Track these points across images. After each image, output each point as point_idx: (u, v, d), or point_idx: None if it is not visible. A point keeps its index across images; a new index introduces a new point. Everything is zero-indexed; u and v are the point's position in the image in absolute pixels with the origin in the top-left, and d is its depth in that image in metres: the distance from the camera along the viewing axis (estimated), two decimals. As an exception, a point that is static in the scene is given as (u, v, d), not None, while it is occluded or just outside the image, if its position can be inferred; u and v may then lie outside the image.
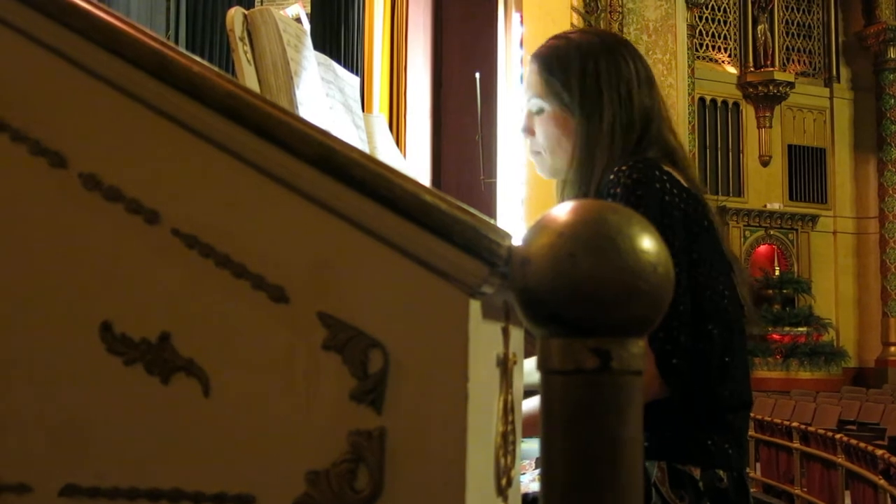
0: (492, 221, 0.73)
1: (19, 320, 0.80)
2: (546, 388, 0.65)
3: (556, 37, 1.83)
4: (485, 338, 0.78)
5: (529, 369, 1.28)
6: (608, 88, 1.73)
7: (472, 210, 0.73)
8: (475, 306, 0.74)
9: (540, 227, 0.66)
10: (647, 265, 0.63)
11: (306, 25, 2.07)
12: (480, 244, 0.72)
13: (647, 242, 0.64)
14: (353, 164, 0.74)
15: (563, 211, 0.66)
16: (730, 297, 1.65)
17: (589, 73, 1.74)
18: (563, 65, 1.76)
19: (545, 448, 0.66)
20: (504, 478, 0.84)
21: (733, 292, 1.67)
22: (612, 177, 1.63)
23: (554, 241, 0.64)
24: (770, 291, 16.98)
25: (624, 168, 1.62)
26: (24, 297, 0.80)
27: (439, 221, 0.72)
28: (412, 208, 0.73)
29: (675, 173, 1.67)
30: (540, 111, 1.80)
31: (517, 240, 0.71)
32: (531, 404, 1.52)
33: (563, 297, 0.63)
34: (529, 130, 1.82)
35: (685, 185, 1.66)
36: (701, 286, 1.61)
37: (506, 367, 0.86)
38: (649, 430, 1.57)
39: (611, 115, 1.72)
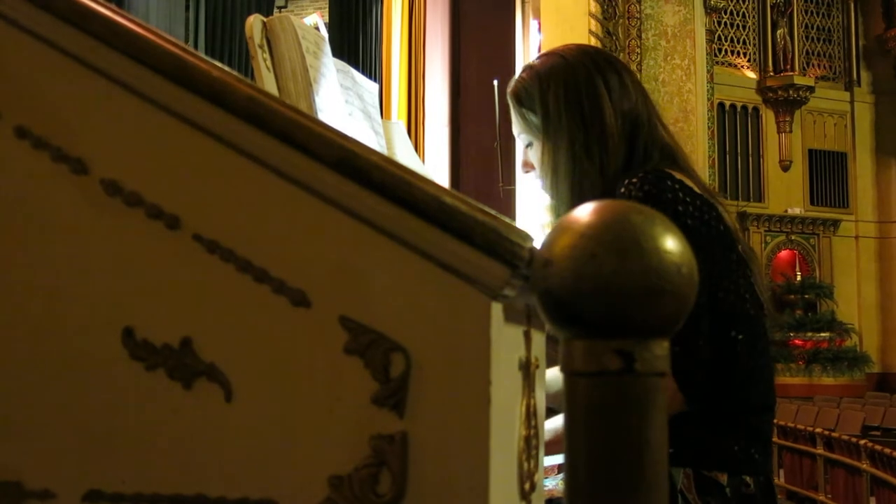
0: (513, 223, 0.73)
1: (41, 327, 0.80)
2: (569, 390, 0.65)
3: (523, 69, 1.85)
4: (507, 341, 0.78)
5: (551, 378, 1.27)
6: (568, 110, 1.73)
7: (492, 212, 0.73)
8: (497, 309, 0.73)
9: (562, 229, 0.65)
10: (670, 265, 0.63)
11: (324, 35, 2.08)
12: (502, 246, 0.71)
13: (671, 243, 0.64)
14: (373, 167, 0.74)
15: (585, 212, 0.65)
16: (751, 300, 1.64)
17: (549, 98, 1.75)
18: (529, 96, 1.79)
19: (568, 450, 0.65)
20: (527, 482, 0.84)
21: (753, 294, 1.66)
22: (622, 190, 1.62)
23: (576, 241, 0.64)
24: (792, 297, 16.86)
25: (634, 180, 1.62)
26: (46, 303, 0.80)
27: (460, 224, 0.72)
28: (432, 211, 0.72)
29: (685, 180, 1.66)
30: (529, 144, 1.83)
31: (538, 243, 0.71)
32: (552, 425, 1.51)
33: (585, 298, 0.63)
34: (524, 165, 1.85)
35: (697, 191, 1.65)
36: (722, 293, 1.60)
37: (528, 370, 0.86)
38: (674, 436, 1.56)
39: (572, 136, 1.72)
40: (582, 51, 1.86)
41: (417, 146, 9.50)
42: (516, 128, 1.84)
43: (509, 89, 1.83)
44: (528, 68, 1.82)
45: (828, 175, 17.97)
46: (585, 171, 1.70)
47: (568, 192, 1.72)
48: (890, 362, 17.39)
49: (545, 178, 1.78)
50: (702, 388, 1.56)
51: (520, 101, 1.80)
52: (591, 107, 1.72)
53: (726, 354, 1.59)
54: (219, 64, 0.80)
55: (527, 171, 1.85)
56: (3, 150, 0.81)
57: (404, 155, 2.20)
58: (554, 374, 1.40)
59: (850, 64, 18.26)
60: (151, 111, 0.80)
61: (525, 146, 1.83)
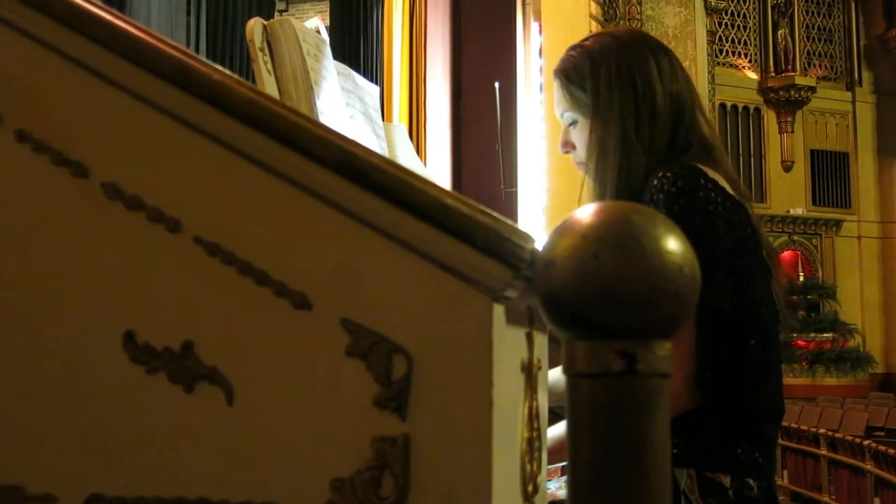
0: (514, 225, 0.73)
1: (43, 331, 0.80)
2: (572, 392, 0.65)
3: (571, 48, 1.83)
4: (509, 343, 0.77)
5: (554, 380, 1.26)
6: (619, 89, 1.72)
7: (494, 213, 0.73)
8: (499, 311, 0.73)
9: (563, 230, 0.65)
10: (672, 266, 0.63)
11: (325, 38, 2.08)
12: (503, 248, 0.71)
13: (673, 243, 0.64)
14: (373, 169, 0.74)
15: (586, 213, 0.65)
16: (767, 306, 1.64)
17: (601, 76, 1.73)
18: (579, 73, 1.77)
19: (571, 452, 0.65)
20: (530, 484, 0.84)
21: (770, 299, 1.66)
22: (655, 182, 1.61)
23: (578, 242, 0.64)
24: (794, 297, 16.80)
25: (668, 175, 1.60)
26: (47, 307, 0.80)
27: (461, 225, 0.72)
28: (434, 212, 0.72)
29: (719, 178, 1.65)
30: (573, 123, 1.80)
31: (539, 245, 0.70)
32: (555, 431, 1.51)
33: (587, 299, 0.63)
34: (565, 144, 1.83)
35: (729, 191, 1.64)
36: (742, 296, 1.59)
37: (530, 372, 0.86)
38: (679, 437, 1.56)
39: (624, 114, 1.71)
40: (632, 32, 1.88)
41: (419, 149, 9.50)
42: (560, 107, 1.81)
43: (556, 67, 1.81)
44: (578, 47, 1.81)
45: (830, 175, 17.94)
46: (634, 149, 1.69)
47: (615, 172, 1.70)
48: (893, 363, 17.36)
49: (591, 157, 1.75)
50: (714, 386, 1.56)
51: (568, 78, 1.79)
52: (643, 85, 1.72)
53: (739, 358, 1.59)
54: (220, 67, 0.80)
55: (566, 152, 1.83)
56: (4, 154, 0.81)
57: (406, 157, 2.20)
58: (557, 375, 1.40)
59: (852, 64, 18.24)
60: (152, 114, 0.80)
61: (567, 125, 1.81)
